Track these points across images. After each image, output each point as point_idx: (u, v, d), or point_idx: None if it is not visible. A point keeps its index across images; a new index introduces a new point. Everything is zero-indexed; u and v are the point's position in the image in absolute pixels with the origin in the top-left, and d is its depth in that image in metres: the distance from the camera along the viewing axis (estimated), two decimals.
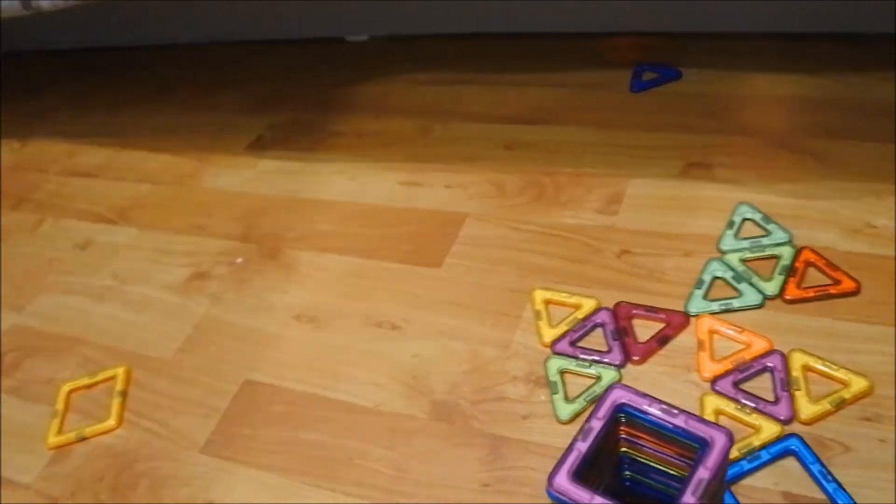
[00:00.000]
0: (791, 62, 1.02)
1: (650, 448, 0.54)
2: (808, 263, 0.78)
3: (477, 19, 1.21)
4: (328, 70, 1.31)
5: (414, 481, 0.71)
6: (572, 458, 0.50)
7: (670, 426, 0.50)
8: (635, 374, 0.74)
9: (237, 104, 1.29)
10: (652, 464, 0.56)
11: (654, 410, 0.51)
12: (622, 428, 0.54)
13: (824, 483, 0.62)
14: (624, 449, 0.56)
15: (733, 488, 0.63)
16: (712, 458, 0.48)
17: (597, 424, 0.51)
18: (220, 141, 1.21)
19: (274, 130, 1.20)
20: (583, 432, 0.51)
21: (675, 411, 0.50)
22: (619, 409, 0.52)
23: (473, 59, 1.21)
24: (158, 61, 1.50)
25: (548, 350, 0.78)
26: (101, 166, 1.24)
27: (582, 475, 0.49)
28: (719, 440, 0.49)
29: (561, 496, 0.48)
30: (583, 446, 0.50)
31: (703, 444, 0.49)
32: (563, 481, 0.48)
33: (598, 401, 0.52)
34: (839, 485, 0.61)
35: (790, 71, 1.01)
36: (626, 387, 0.53)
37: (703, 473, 0.47)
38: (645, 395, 0.52)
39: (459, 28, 1.24)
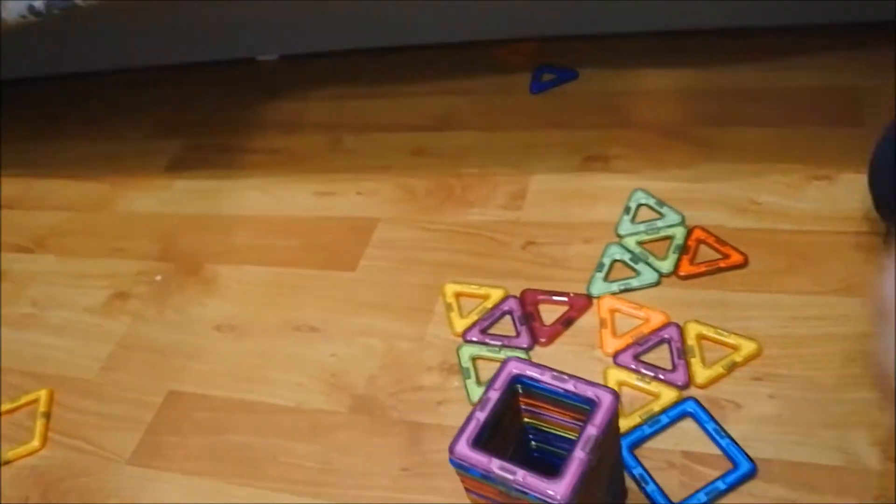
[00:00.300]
0: (678, 58, 1.07)
1: (550, 416, 0.58)
2: (700, 241, 0.83)
3: (382, 34, 1.24)
4: (240, 90, 1.32)
5: (337, 472, 0.73)
6: (472, 427, 0.53)
7: (561, 391, 0.54)
8: (543, 354, 0.77)
9: (150, 128, 1.29)
10: (554, 431, 0.59)
11: (545, 378, 0.54)
12: (521, 399, 0.57)
13: (719, 439, 0.66)
14: (527, 419, 0.60)
15: (636, 452, 0.68)
16: (600, 416, 0.52)
17: (494, 395, 0.54)
18: (136, 165, 1.21)
19: (188, 152, 1.21)
20: (481, 403, 0.54)
21: (565, 377, 0.54)
22: (515, 380, 0.55)
23: (380, 73, 1.23)
24: (68, 89, 1.49)
25: (460, 339, 0.81)
26: (15, 197, 1.23)
27: (484, 444, 0.52)
28: (605, 399, 0.52)
29: (462, 462, 0.51)
30: (481, 415, 0.53)
31: (592, 405, 0.52)
32: (463, 448, 0.51)
33: (494, 374, 0.56)
34: (732, 440, 0.66)
35: (677, 66, 1.06)
36: (521, 359, 0.56)
37: (591, 430, 0.51)
38: (537, 365, 0.55)
39: (366, 43, 1.27)
